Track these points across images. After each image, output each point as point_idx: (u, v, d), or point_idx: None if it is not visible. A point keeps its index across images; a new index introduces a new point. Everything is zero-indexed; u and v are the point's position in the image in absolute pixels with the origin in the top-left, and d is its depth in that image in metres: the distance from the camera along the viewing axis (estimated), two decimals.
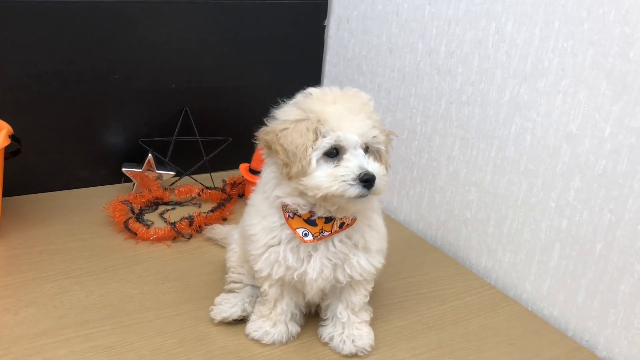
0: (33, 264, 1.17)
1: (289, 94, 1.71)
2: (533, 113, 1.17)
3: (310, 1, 1.65)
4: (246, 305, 1.05)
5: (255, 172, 1.49)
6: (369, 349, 1.01)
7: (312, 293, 1.00)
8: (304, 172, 0.87)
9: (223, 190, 1.51)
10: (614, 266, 1.06)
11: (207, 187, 1.51)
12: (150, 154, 1.46)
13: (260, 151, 0.98)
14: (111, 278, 1.15)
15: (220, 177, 1.60)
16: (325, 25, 1.70)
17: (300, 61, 1.71)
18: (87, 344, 0.97)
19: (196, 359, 0.96)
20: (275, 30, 1.63)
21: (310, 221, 0.93)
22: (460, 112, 1.33)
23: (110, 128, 1.51)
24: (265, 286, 0.99)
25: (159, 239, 1.29)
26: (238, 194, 1.53)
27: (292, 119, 0.90)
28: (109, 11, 1.40)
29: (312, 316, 1.08)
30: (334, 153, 0.88)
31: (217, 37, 1.55)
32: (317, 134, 0.87)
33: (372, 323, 1.06)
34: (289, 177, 0.89)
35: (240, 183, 1.55)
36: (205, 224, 1.34)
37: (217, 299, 1.07)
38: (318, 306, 1.07)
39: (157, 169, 1.48)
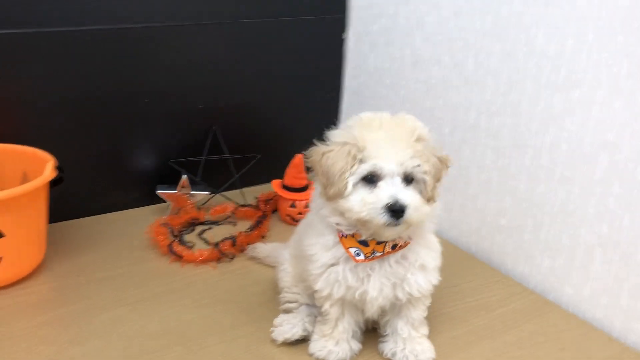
0: (85, 292, 1.19)
1: (311, 108, 1.74)
2: (568, 123, 1.21)
3: (329, 16, 1.68)
4: (306, 324, 1.08)
5: (288, 188, 1.51)
6: None
7: (372, 311, 1.02)
8: (340, 194, 0.91)
9: (257, 207, 1.53)
10: None
11: (241, 205, 1.53)
12: (185, 176, 1.48)
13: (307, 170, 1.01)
14: (165, 303, 1.17)
15: (250, 193, 1.62)
16: (344, 39, 1.72)
17: (321, 75, 1.73)
18: None
19: None
20: (296, 46, 1.65)
21: (362, 241, 0.95)
22: (490, 122, 1.36)
23: (140, 150, 1.52)
24: (327, 305, 1.02)
25: (204, 261, 1.31)
26: (272, 210, 1.55)
27: (338, 141, 0.93)
28: (138, 36, 1.41)
29: (369, 332, 1.11)
30: (371, 180, 0.91)
31: (240, 55, 1.57)
32: (355, 160, 0.90)
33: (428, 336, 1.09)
34: (327, 198, 0.93)
35: (272, 199, 1.57)
36: (247, 243, 1.36)
37: (277, 320, 1.09)
38: (375, 322, 1.10)
39: (191, 190, 1.50)
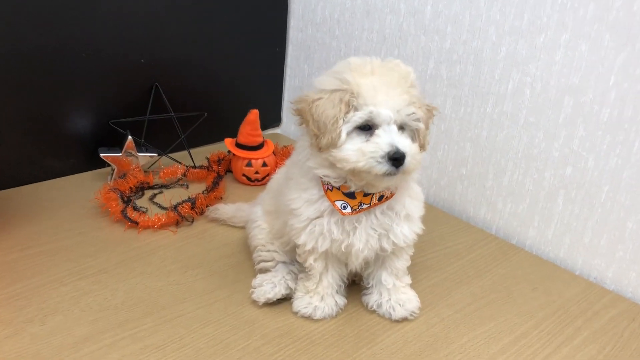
0: (36, 267, 1.07)
1: (257, 63, 1.66)
2: (532, 68, 1.21)
3: None
4: (288, 282, 1.03)
5: (243, 146, 1.43)
6: (418, 311, 1.03)
7: (356, 263, 0.99)
8: (333, 144, 0.85)
9: (209, 168, 1.44)
10: (620, 206, 1.14)
11: (192, 167, 1.44)
12: (130, 137, 1.36)
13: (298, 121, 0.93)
14: (129, 273, 1.08)
15: (199, 154, 1.53)
16: None
17: (266, 28, 1.65)
18: (137, 345, 0.90)
19: (255, 344, 0.93)
20: None
21: (349, 194, 0.91)
22: (451, 71, 1.35)
23: (77, 111, 1.38)
24: (310, 260, 0.97)
25: (163, 226, 1.22)
26: (225, 170, 1.47)
27: (327, 89, 0.87)
28: None
29: (350, 286, 1.08)
30: (366, 127, 0.86)
31: (183, 6, 1.45)
32: (349, 107, 0.85)
33: None
34: (319, 149, 0.87)
35: (224, 159, 1.49)
36: (207, 205, 1.28)
37: (256, 281, 1.03)
38: (355, 275, 1.07)
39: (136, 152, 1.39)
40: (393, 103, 0.85)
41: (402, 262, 1.02)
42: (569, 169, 1.20)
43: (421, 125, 0.89)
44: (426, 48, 1.38)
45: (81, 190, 1.33)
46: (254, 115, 1.41)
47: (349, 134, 0.85)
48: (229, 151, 1.47)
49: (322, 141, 0.85)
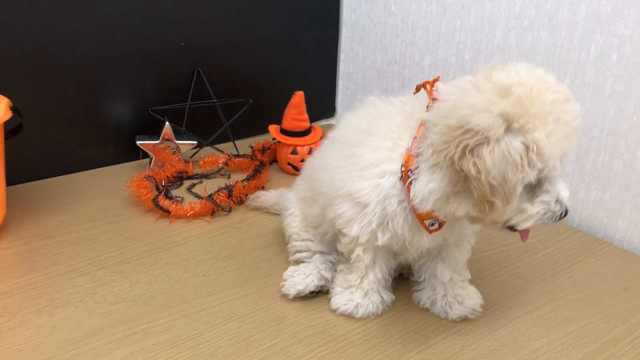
0: (55, 256, 0.99)
1: (307, 46, 1.54)
2: (619, 27, 1.02)
3: None
4: (322, 272, 0.89)
5: (288, 132, 1.32)
6: (480, 309, 0.86)
7: (413, 255, 0.84)
8: (502, 210, 0.67)
9: (252, 157, 1.33)
10: None
11: (234, 155, 1.33)
12: (167, 124, 1.27)
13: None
14: (153, 264, 0.98)
15: (244, 144, 1.42)
16: None
17: (316, 8, 1.53)
18: (148, 341, 0.79)
19: (283, 343, 0.80)
20: None
21: None
22: (521, 39, 1.18)
23: (115, 97, 1.31)
24: (359, 251, 0.82)
25: (196, 215, 1.12)
26: (270, 159, 1.36)
27: (492, 132, 0.64)
28: None
29: (398, 280, 0.93)
30: (532, 183, 0.68)
31: None
32: (532, 165, 0.65)
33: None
34: (484, 212, 0.67)
35: (269, 148, 1.37)
36: (246, 194, 1.17)
37: (287, 273, 0.90)
38: (403, 267, 0.92)
39: (176, 140, 1.30)
40: (566, 150, 0.67)
41: (463, 254, 0.86)
42: None
43: None
44: (492, 15, 1.22)
45: (118, 180, 1.25)
46: (298, 97, 1.29)
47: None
48: (274, 139, 1.35)
49: (496, 207, 0.66)
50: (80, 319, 0.83)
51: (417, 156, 0.71)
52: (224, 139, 1.40)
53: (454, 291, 0.86)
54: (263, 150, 1.36)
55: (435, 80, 0.74)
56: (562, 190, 0.70)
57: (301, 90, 1.34)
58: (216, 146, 1.39)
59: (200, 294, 0.90)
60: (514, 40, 1.19)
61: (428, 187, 0.69)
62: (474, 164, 0.64)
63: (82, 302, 0.87)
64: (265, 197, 1.15)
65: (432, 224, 0.76)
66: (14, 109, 1.00)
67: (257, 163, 1.29)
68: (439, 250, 0.86)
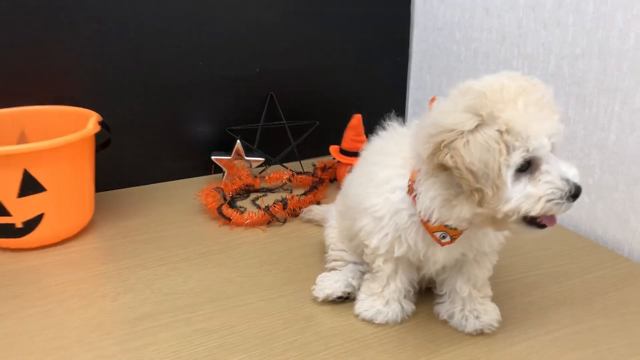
0: (128, 252, 1.14)
1: (376, 73, 1.63)
2: None
3: None
4: (350, 279, 0.96)
5: (347, 152, 1.40)
6: (496, 325, 0.89)
7: (432, 270, 0.89)
8: (498, 197, 0.71)
9: (314, 174, 1.43)
10: None
11: (297, 172, 1.44)
12: (238, 142, 1.41)
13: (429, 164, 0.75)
14: (207, 263, 1.10)
15: (309, 163, 1.53)
16: None
17: (386, 38, 1.61)
18: (189, 328, 0.91)
19: (304, 340, 0.88)
20: (358, 7, 1.55)
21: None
22: (573, 67, 1.19)
23: (196, 117, 1.47)
24: (379, 262, 0.89)
25: (254, 224, 1.23)
26: (330, 178, 1.45)
27: (465, 127, 0.70)
28: None
29: (424, 294, 0.98)
30: (525, 166, 0.72)
31: (298, 15, 1.49)
32: (509, 146, 0.69)
33: (494, 300, 0.94)
34: (480, 204, 0.72)
35: (330, 167, 1.47)
36: (300, 207, 1.27)
37: (319, 278, 0.99)
38: (430, 281, 0.97)
39: (246, 157, 1.43)
40: (548, 128, 0.71)
41: (483, 271, 0.90)
42: None
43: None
44: (547, 44, 1.24)
45: (192, 190, 1.40)
46: (356, 120, 1.38)
47: (512, 181, 0.71)
48: (334, 158, 1.45)
49: (488, 195, 0.70)
50: (136, 304, 0.97)
51: (418, 171, 0.77)
52: (291, 157, 1.52)
53: (471, 306, 0.90)
54: (324, 168, 1.46)
55: (433, 99, 0.80)
56: (565, 168, 0.71)
57: (371, 115, 1.42)
58: (283, 164, 1.51)
59: (242, 292, 1.01)
60: (566, 68, 1.20)
61: (428, 195, 0.75)
62: (451, 156, 0.69)
63: (141, 291, 1.01)
64: (317, 210, 1.24)
65: (444, 237, 0.81)
66: (102, 124, 1.18)
67: (317, 179, 1.39)
68: (460, 266, 0.90)
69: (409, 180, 0.81)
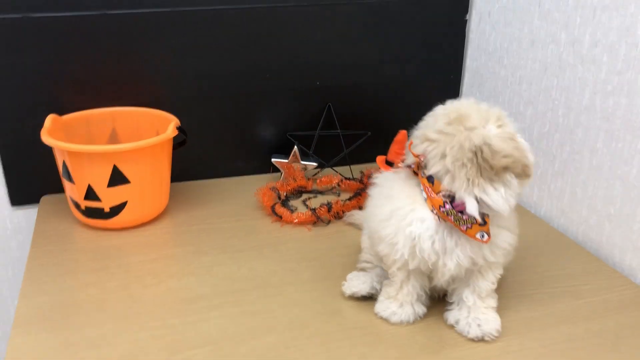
0: (194, 239, 1.34)
1: (429, 89, 1.75)
2: None
3: None
4: (374, 283, 1.12)
5: (390, 164, 1.55)
6: (495, 334, 1.02)
7: (442, 280, 1.03)
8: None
9: (361, 180, 1.59)
10: None
11: (346, 178, 1.60)
12: (295, 147, 1.59)
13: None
14: (258, 255, 1.28)
15: (359, 169, 1.68)
16: (466, 20, 1.71)
17: (440, 56, 1.73)
18: (236, 309, 1.10)
19: (328, 329, 1.04)
20: (414, 26, 1.68)
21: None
22: (604, 102, 1.28)
23: (261, 123, 1.66)
24: (393, 268, 1.05)
25: (301, 223, 1.41)
26: None
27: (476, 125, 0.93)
28: (261, 16, 1.54)
29: (439, 301, 1.12)
30: None
31: (358, 35, 1.63)
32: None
33: (501, 312, 1.07)
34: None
35: None
36: (343, 211, 1.43)
37: (349, 276, 1.15)
38: (445, 290, 1.11)
39: (302, 160, 1.61)
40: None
41: (487, 283, 1.03)
42: None
43: None
44: (583, 78, 1.33)
45: (253, 188, 1.59)
46: (401, 135, 1.50)
47: None
48: (379, 168, 1.59)
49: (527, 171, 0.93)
50: (196, 286, 1.17)
51: (446, 196, 0.93)
52: (343, 163, 1.68)
53: (475, 314, 1.03)
54: (370, 176, 1.61)
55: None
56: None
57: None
58: (335, 169, 1.68)
59: (283, 283, 1.18)
60: (598, 103, 1.29)
61: (497, 195, 0.91)
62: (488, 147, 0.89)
63: (201, 274, 1.21)
64: (358, 215, 1.40)
65: (482, 236, 0.94)
66: (179, 128, 1.38)
67: (362, 186, 1.55)
68: (468, 278, 1.04)
69: (432, 210, 0.96)
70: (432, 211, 0.96)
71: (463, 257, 0.97)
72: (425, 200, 0.97)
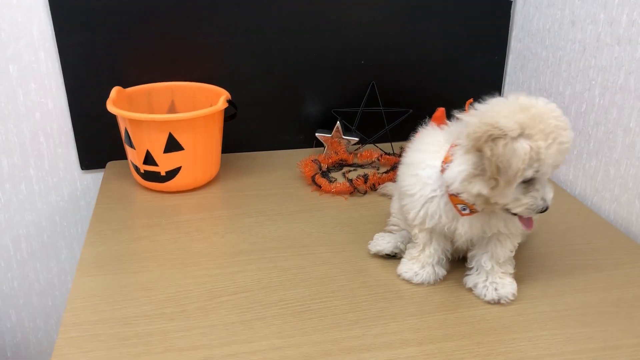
0: (240, 203, 1.46)
1: (473, 69, 1.80)
2: None
3: None
4: (399, 243, 1.20)
5: None
6: (511, 298, 1.08)
7: (460, 242, 1.10)
8: (503, 190, 0.94)
9: (400, 156, 1.66)
10: None
11: (386, 153, 1.68)
12: (338, 122, 1.67)
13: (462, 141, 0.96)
14: (296, 219, 1.39)
15: (399, 146, 1.75)
16: (512, 1, 1.74)
17: (484, 36, 1.77)
18: (270, 264, 1.20)
19: (352, 285, 1.14)
20: (461, 7, 1.72)
21: None
22: (639, 82, 1.29)
23: (307, 99, 1.75)
24: (416, 230, 1.13)
25: (338, 192, 1.50)
26: None
27: (511, 133, 0.90)
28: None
29: (460, 265, 1.19)
30: (527, 179, 0.94)
31: (400, 14, 1.69)
32: (532, 166, 0.92)
33: (520, 278, 1.13)
34: (492, 189, 0.94)
35: None
36: (379, 183, 1.51)
37: (376, 235, 1.24)
38: (465, 254, 1.17)
39: (344, 135, 1.69)
40: (556, 163, 0.93)
41: (505, 250, 1.09)
42: None
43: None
44: (619, 58, 1.35)
45: (297, 159, 1.69)
46: (439, 112, 1.57)
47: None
48: None
49: (499, 187, 0.92)
50: (237, 242, 1.28)
51: (452, 154, 0.99)
52: (384, 139, 1.75)
53: (492, 279, 1.10)
54: None
55: (470, 101, 1.01)
56: (548, 192, 0.96)
57: (469, 103, 1.62)
58: (376, 144, 1.75)
59: (316, 244, 1.28)
60: (632, 83, 1.31)
61: (457, 168, 0.97)
62: (490, 148, 0.91)
63: (242, 233, 1.32)
64: (391, 186, 1.47)
65: (464, 209, 1.02)
66: (230, 102, 1.50)
67: (399, 160, 1.62)
68: (486, 244, 1.10)
69: (442, 161, 1.02)
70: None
71: (470, 226, 1.04)
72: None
